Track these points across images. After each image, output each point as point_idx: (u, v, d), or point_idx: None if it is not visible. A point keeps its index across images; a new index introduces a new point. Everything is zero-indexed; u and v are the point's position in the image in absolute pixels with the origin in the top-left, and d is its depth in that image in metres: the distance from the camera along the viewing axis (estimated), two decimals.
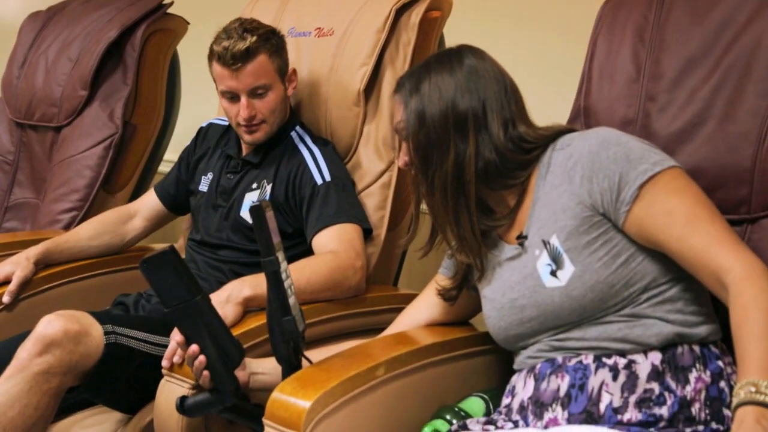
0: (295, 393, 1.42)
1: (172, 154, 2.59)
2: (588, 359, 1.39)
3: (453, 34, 2.09)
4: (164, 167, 2.63)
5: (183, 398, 1.62)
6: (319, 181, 2.02)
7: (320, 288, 1.85)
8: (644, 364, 1.36)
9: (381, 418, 1.51)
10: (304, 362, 1.54)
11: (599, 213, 1.38)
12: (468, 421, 1.48)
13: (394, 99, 1.54)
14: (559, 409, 1.38)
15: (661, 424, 1.33)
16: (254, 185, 2.09)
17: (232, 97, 2.03)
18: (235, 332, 1.67)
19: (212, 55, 2.02)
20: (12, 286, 2.08)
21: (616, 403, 1.35)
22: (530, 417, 1.41)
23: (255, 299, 1.78)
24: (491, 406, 1.55)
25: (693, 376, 1.35)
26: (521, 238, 1.47)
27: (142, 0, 2.72)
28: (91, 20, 2.78)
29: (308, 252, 1.97)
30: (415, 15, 2.11)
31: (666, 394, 1.34)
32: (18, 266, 2.10)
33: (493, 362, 1.65)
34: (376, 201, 2.09)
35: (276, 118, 2.07)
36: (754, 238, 1.46)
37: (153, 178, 2.72)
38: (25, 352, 1.70)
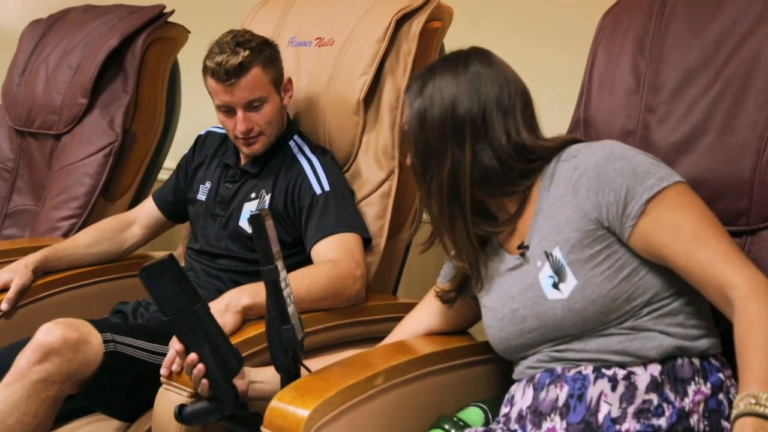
0: (294, 402, 1.42)
1: (171, 162, 2.59)
2: (587, 370, 1.39)
3: (454, 45, 2.09)
4: (164, 175, 2.63)
5: (181, 406, 1.61)
6: (318, 191, 2.02)
7: (319, 297, 1.85)
8: (643, 376, 1.36)
9: (380, 428, 1.51)
10: (303, 371, 1.54)
11: (603, 227, 1.38)
12: (466, 431, 1.48)
13: (403, 98, 1.53)
14: (557, 418, 1.38)
15: None
16: (253, 195, 2.09)
17: (228, 110, 2.03)
18: (234, 341, 1.67)
19: (206, 70, 2.01)
20: (10, 294, 2.08)
21: (615, 413, 1.35)
22: (529, 426, 1.41)
23: (254, 308, 1.78)
24: (490, 416, 1.55)
25: (692, 389, 1.35)
26: (523, 248, 1.47)
27: (143, 8, 2.73)
28: (92, 28, 2.78)
29: (307, 261, 1.97)
30: (416, 25, 2.11)
31: (664, 405, 1.34)
32: (16, 273, 2.10)
33: (492, 372, 1.65)
34: (375, 210, 2.09)
35: (273, 129, 2.07)
36: (754, 250, 1.46)
37: (153, 185, 2.72)
38: (24, 360, 1.70)
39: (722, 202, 1.46)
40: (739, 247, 1.34)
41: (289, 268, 1.58)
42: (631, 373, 1.36)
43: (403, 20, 2.13)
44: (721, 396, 1.36)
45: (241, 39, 2.00)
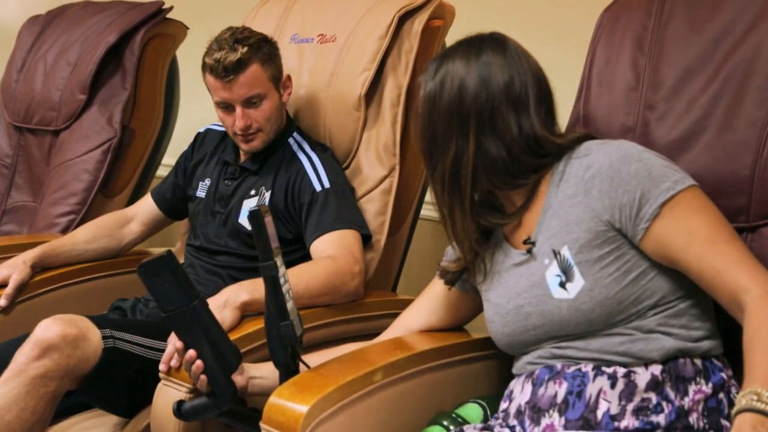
0: (293, 398, 1.42)
1: (170, 159, 2.59)
2: (587, 368, 1.39)
3: None
4: (162, 171, 2.63)
5: (180, 402, 1.61)
6: (318, 188, 2.02)
7: (318, 293, 1.85)
8: (644, 375, 1.36)
9: (378, 424, 1.51)
10: (302, 367, 1.54)
11: (614, 228, 1.37)
12: (465, 428, 1.48)
13: (419, 79, 1.51)
14: (556, 415, 1.38)
15: (658, 431, 1.33)
16: (252, 192, 2.09)
17: (227, 107, 2.03)
18: (233, 337, 1.67)
19: (205, 67, 2.02)
20: (9, 290, 2.08)
21: (614, 410, 1.34)
22: (527, 422, 1.41)
23: (252, 304, 1.78)
24: (488, 413, 1.55)
25: (693, 388, 1.35)
26: (529, 242, 1.46)
27: (141, 5, 2.73)
28: (91, 24, 2.78)
29: (307, 257, 1.97)
30: (418, 23, 2.12)
31: (664, 403, 1.34)
32: (15, 269, 2.10)
33: (490, 368, 1.65)
34: (376, 207, 2.09)
35: (272, 126, 2.07)
36: (754, 247, 1.46)
37: (151, 182, 2.72)
38: (22, 355, 1.70)
39: (722, 199, 1.46)
40: (751, 252, 1.33)
41: (289, 265, 1.58)
42: (631, 371, 1.36)
43: (405, 18, 2.14)
44: (721, 395, 1.36)
45: (239, 36, 2.01)
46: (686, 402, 1.34)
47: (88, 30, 2.77)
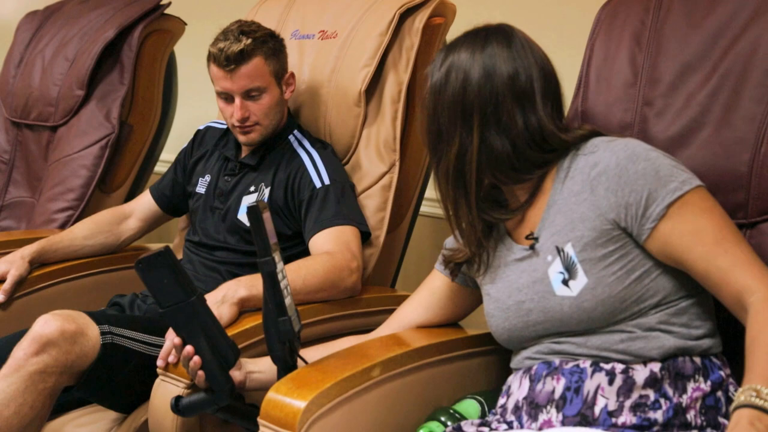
0: (291, 393, 1.42)
1: (168, 155, 2.59)
2: (585, 364, 1.39)
3: None
4: (161, 167, 2.63)
5: (178, 398, 1.62)
6: (318, 185, 2.02)
7: (316, 288, 1.85)
8: (642, 372, 1.36)
9: (376, 419, 1.51)
10: (300, 362, 1.54)
11: (619, 227, 1.37)
12: (462, 423, 1.48)
13: (427, 70, 1.50)
14: (553, 411, 1.38)
15: (656, 428, 1.33)
16: (252, 188, 2.09)
17: (227, 97, 2.04)
18: (231, 332, 1.67)
19: (209, 56, 2.03)
20: (6, 285, 2.08)
21: (611, 406, 1.35)
22: (525, 418, 1.41)
23: (250, 300, 1.78)
24: (486, 408, 1.55)
25: (691, 386, 1.35)
26: (532, 238, 1.46)
27: (139, 0, 2.72)
28: (88, 20, 2.78)
29: (306, 252, 1.97)
30: (419, 20, 2.13)
31: (661, 400, 1.34)
32: (13, 265, 2.10)
33: (488, 364, 1.66)
34: (376, 203, 2.09)
35: (271, 121, 2.07)
36: (753, 243, 1.46)
37: (149, 178, 2.72)
38: (21, 351, 1.70)
39: (720, 195, 1.46)
40: (756, 254, 1.33)
41: (288, 260, 1.58)
42: (629, 368, 1.36)
43: (406, 15, 2.15)
44: (719, 393, 1.36)
45: (246, 28, 2.02)
46: (684, 399, 1.34)
47: (86, 25, 2.77)
